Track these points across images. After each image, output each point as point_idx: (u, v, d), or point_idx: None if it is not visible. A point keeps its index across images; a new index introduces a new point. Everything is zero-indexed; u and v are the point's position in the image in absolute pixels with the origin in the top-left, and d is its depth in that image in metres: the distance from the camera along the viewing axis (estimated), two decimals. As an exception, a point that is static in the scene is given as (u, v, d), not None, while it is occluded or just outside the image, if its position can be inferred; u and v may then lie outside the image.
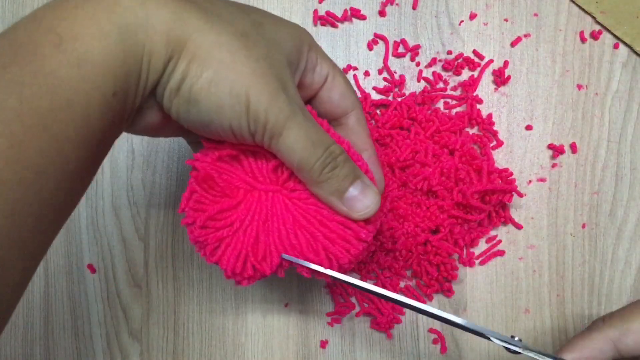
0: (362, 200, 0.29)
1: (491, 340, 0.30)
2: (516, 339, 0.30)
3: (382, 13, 0.44)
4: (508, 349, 0.30)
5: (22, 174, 0.21)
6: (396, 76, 0.43)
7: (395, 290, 0.42)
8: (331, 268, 0.30)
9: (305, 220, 0.30)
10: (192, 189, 0.29)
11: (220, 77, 0.25)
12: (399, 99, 0.43)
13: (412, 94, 0.43)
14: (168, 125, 0.29)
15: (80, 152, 0.23)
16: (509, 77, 0.43)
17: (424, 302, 0.42)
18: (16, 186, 0.21)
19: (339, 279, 0.30)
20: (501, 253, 0.42)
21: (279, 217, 0.30)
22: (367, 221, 0.30)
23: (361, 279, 0.42)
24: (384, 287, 0.42)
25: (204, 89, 0.25)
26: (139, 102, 0.26)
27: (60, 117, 0.22)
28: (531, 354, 0.30)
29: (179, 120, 0.27)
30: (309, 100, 0.34)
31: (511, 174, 0.41)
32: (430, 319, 0.42)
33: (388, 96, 0.43)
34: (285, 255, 0.30)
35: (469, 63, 0.43)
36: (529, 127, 0.43)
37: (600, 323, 0.32)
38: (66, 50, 0.23)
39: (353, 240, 0.30)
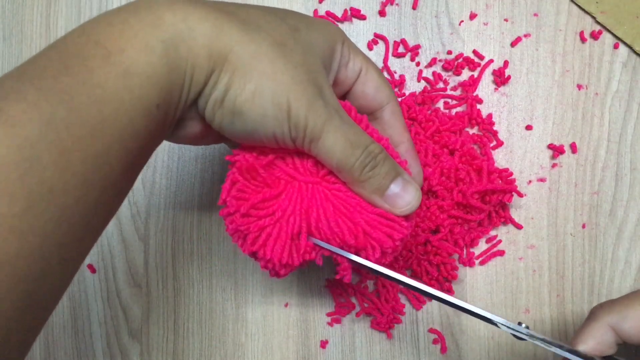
0: (403, 196, 0.30)
1: (498, 327, 0.30)
2: (523, 325, 0.30)
3: (382, 13, 0.44)
4: (515, 336, 0.30)
5: (70, 182, 0.22)
6: (396, 76, 0.43)
7: (395, 290, 0.42)
8: (370, 259, 0.30)
9: (346, 209, 0.30)
10: (233, 179, 0.30)
11: (263, 88, 0.26)
12: (399, 99, 0.43)
13: (412, 94, 0.43)
14: (209, 134, 0.29)
15: (122, 162, 0.24)
16: (509, 77, 0.43)
17: (423, 301, 0.42)
18: (63, 194, 0.22)
19: (375, 270, 0.30)
20: (501, 253, 0.42)
21: (319, 207, 0.30)
22: (406, 216, 0.31)
23: (362, 279, 0.42)
24: (383, 287, 0.42)
25: (248, 100, 0.26)
26: (180, 114, 0.27)
27: (106, 128, 0.23)
28: (537, 342, 0.30)
29: (221, 131, 0.28)
30: (344, 95, 0.34)
31: (511, 174, 0.41)
32: (430, 318, 0.42)
33: (388, 96, 0.43)
34: (314, 240, 0.30)
35: (469, 63, 0.43)
36: (529, 127, 0.43)
37: (598, 310, 0.32)
38: (114, 63, 0.23)
39: (396, 226, 0.30)
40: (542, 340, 0.30)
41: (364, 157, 0.28)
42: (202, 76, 0.26)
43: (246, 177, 0.30)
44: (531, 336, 0.30)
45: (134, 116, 0.24)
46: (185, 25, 0.25)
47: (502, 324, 0.30)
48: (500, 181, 0.40)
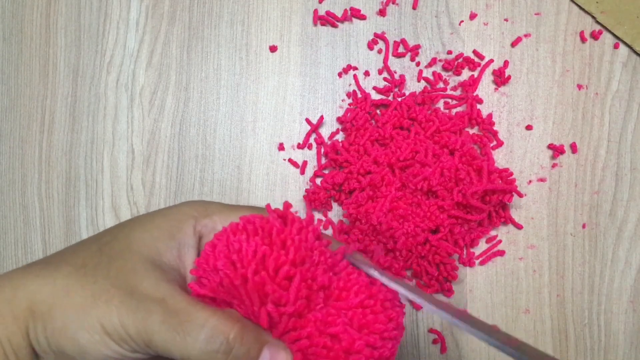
0: None
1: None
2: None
3: (382, 13, 0.44)
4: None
5: None
6: (396, 76, 0.43)
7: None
8: None
9: None
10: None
11: (67, 319, 0.25)
12: (399, 99, 0.43)
13: (412, 94, 0.43)
14: None
15: None
16: (509, 77, 0.43)
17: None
18: None
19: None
20: (501, 253, 0.42)
21: None
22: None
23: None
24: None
25: (62, 338, 0.25)
26: None
27: None
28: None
29: None
30: None
31: (511, 174, 0.41)
32: (430, 319, 0.42)
33: (388, 96, 0.43)
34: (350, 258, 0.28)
35: (469, 63, 0.43)
36: (529, 127, 0.43)
37: None
38: None
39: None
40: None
41: (205, 345, 0.24)
42: (21, 340, 0.26)
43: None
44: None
45: None
46: None
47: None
48: (500, 181, 0.40)
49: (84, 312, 0.25)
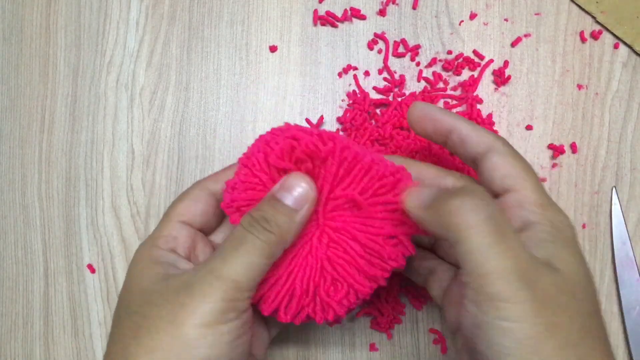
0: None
1: None
2: None
3: (382, 13, 0.44)
4: None
5: None
6: (396, 76, 0.43)
7: (395, 290, 0.42)
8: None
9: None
10: None
11: None
12: (399, 99, 0.43)
13: (412, 94, 0.43)
14: None
15: None
16: (509, 77, 0.43)
17: (424, 302, 0.42)
18: None
19: None
20: (501, 253, 0.42)
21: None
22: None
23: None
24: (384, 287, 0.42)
25: None
26: None
27: None
28: None
29: None
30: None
31: (511, 174, 0.41)
32: (430, 318, 0.42)
33: (388, 96, 0.43)
34: None
35: (469, 63, 0.43)
36: (529, 127, 0.43)
37: None
38: None
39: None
40: None
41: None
42: None
43: None
44: None
45: None
46: None
47: None
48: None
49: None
